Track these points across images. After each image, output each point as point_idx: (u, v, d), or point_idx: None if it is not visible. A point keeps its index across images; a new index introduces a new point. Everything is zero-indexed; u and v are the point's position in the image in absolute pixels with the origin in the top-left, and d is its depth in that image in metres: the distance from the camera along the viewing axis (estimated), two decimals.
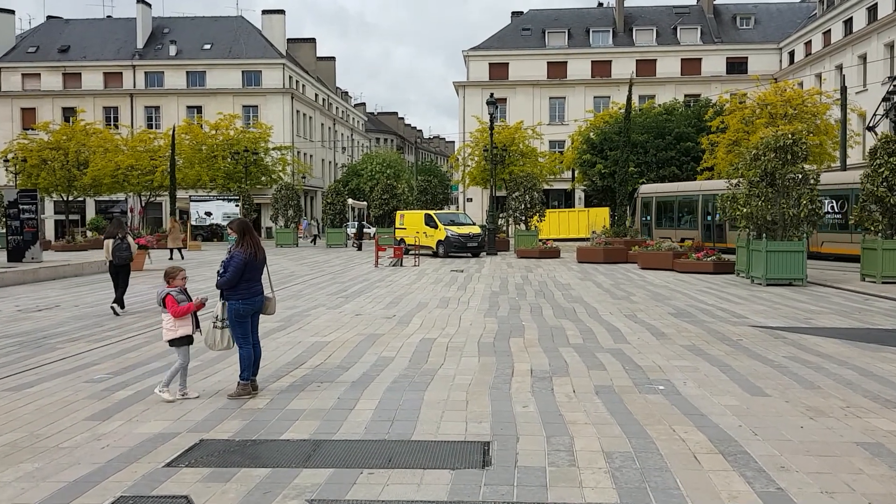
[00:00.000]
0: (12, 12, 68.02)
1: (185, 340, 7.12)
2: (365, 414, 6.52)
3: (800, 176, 19.01)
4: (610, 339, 10.42)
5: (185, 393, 7.12)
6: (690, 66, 60.23)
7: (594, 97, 58.97)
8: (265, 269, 7.33)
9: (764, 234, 19.10)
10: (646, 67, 59.64)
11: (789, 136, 19.16)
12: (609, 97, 57.00)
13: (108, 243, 14.07)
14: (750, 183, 19.50)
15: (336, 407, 6.78)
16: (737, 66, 59.30)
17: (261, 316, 7.51)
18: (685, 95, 56.28)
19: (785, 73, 55.56)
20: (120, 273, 14.06)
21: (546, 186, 40.88)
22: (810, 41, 54.20)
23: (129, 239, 14.42)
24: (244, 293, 7.03)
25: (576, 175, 49.12)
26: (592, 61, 60.78)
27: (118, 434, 6.00)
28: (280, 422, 6.31)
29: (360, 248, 38.22)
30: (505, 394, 7.23)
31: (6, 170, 52.28)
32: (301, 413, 6.57)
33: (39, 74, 64.83)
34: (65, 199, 52.62)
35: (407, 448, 5.60)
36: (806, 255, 18.95)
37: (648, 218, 36.75)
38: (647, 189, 37.55)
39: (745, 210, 19.59)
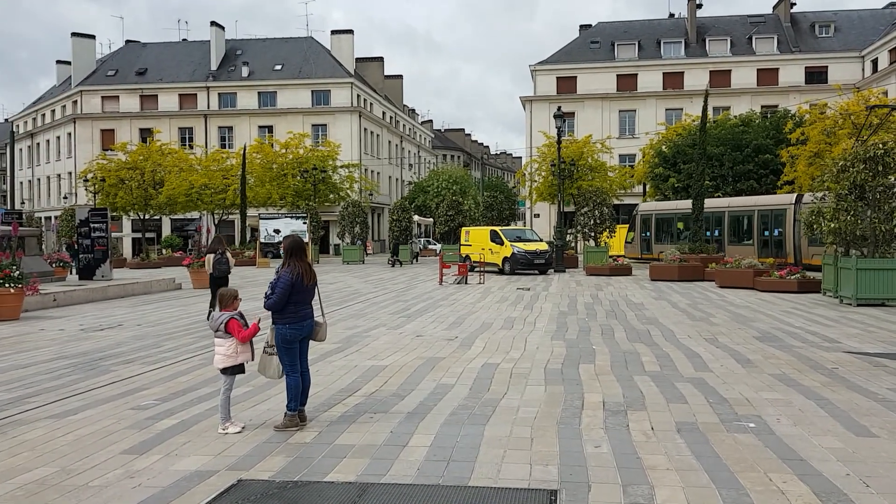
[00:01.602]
0: (93, 37, 70.75)
1: (239, 368, 6.69)
2: (419, 452, 5.92)
3: (893, 188, 17.70)
4: (690, 367, 9.58)
5: (225, 426, 6.65)
6: (767, 77, 58.12)
7: (666, 109, 57.49)
8: (316, 292, 6.85)
9: (854, 251, 17.83)
10: (720, 78, 57.82)
11: (880, 145, 17.88)
12: (682, 109, 55.47)
13: (210, 257, 15.46)
14: (838, 196, 18.26)
15: (388, 443, 6.20)
16: (816, 76, 56.91)
17: (312, 342, 7.04)
18: (762, 106, 54.21)
19: (868, 81, 52.96)
20: (220, 285, 14.92)
21: (616, 201, 39.73)
22: (895, 48, 51.61)
23: (228, 254, 15.81)
24: (291, 317, 6.56)
25: (647, 189, 47.75)
26: (664, 73, 59.27)
27: (153, 471, 5.56)
28: (326, 459, 5.77)
29: (393, 265, 38.48)
30: (574, 430, 6.53)
31: (86, 189, 54.02)
32: (350, 449, 6.02)
33: (118, 97, 67.06)
34: (141, 217, 54.00)
35: (463, 496, 4.97)
36: None
37: (648, 234, 39.36)
38: (645, 207, 40.05)
39: (832, 225, 18.34)
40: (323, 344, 11.39)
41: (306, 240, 42.53)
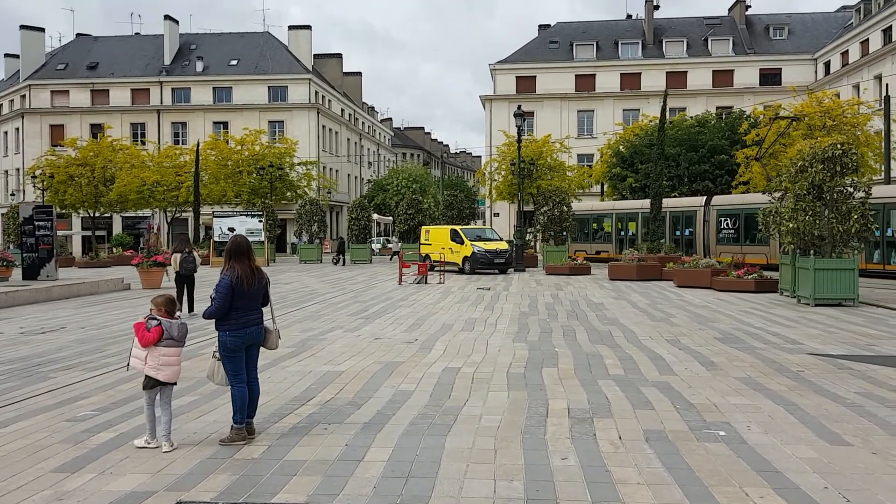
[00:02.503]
0: (42, 30, 68.67)
1: (156, 382, 6.16)
2: (375, 467, 5.55)
3: (850, 189, 17.82)
4: (654, 370, 9.37)
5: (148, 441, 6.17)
6: (722, 78, 58.85)
7: (623, 110, 57.88)
8: (266, 296, 6.43)
9: (811, 251, 17.91)
10: (676, 79, 58.35)
11: (838, 146, 17.98)
12: (639, 110, 55.81)
13: (177, 257, 16.39)
14: (796, 196, 18.32)
15: (343, 457, 5.81)
16: (770, 78, 57.80)
17: (264, 349, 6.63)
18: (717, 107, 54.89)
19: (821, 83, 53.96)
20: (186, 282, 16.45)
21: (575, 201, 39.72)
22: (847, 51, 52.65)
23: (195, 253, 16.78)
24: (233, 323, 6.13)
25: (605, 189, 47.94)
26: (621, 74, 59.63)
27: (84, 492, 5.09)
28: (275, 477, 5.37)
29: (336, 263, 39.03)
30: (540, 441, 6.23)
31: (34, 186, 52.35)
32: (301, 465, 5.62)
33: (68, 91, 65.21)
34: (91, 215, 52.50)
35: None
36: (857, 273, 17.71)
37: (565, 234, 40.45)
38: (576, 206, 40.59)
39: (790, 225, 18.41)
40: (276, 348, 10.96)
41: (262, 238, 41.76)
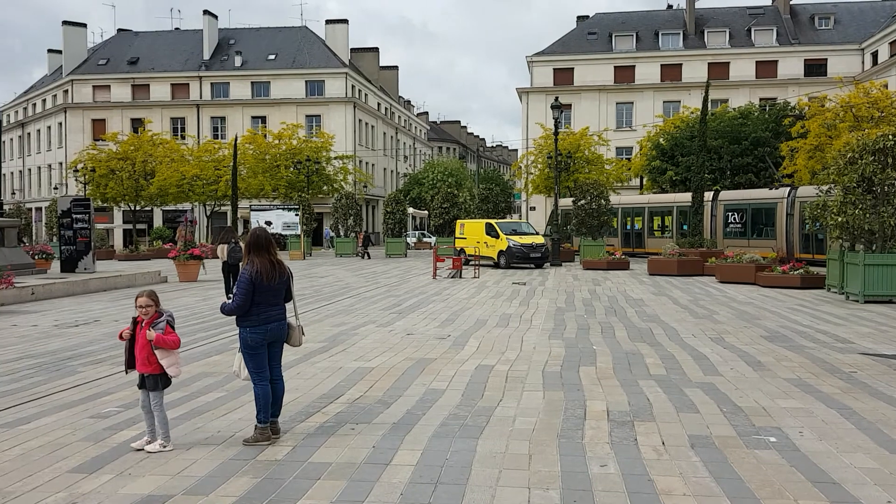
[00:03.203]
0: (84, 26, 69.71)
1: (164, 381, 6.00)
2: (403, 472, 5.27)
3: None
4: (698, 370, 8.94)
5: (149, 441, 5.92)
6: (766, 69, 57.46)
7: (664, 102, 56.86)
8: (289, 291, 6.17)
9: (862, 246, 17.22)
10: (718, 70, 57.07)
11: (890, 137, 17.24)
12: (679, 101, 54.79)
13: (224, 247, 17.35)
14: (845, 189, 17.63)
15: (369, 460, 5.54)
16: (815, 68, 56.27)
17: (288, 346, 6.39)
18: (760, 99, 53.58)
19: (868, 74, 52.32)
20: (232, 271, 17.41)
21: (613, 195, 39.07)
22: (895, 41, 50.99)
23: (241, 243, 17.40)
24: (254, 319, 5.89)
25: (644, 182, 47.12)
26: (662, 65, 58.56)
27: (99, 495, 4.89)
28: (298, 481, 5.11)
29: (361, 257, 38.88)
30: (577, 445, 5.89)
31: (76, 180, 53.16)
32: (325, 469, 5.36)
33: (109, 86, 66.14)
34: (132, 208, 53.16)
35: None
36: None
37: (568, 227, 39.66)
38: (564, 203, 40.55)
39: (839, 219, 17.72)
40: (308, 343, 10.76)
41: (298, 232, 41.81)
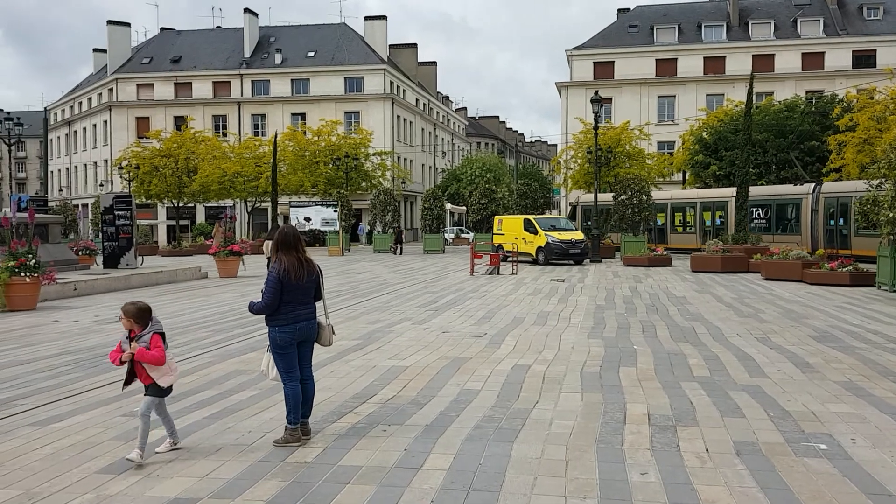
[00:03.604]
0: (128, 25, 70.87)
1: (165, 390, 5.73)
2: (434, 477, 5.10)
3: None
4: (743, 372, 8.62)
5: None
6: (812, 61, 56.00)
7: (706, 95, 55.77)
8: (319, 290, 6.04)
9: None
10: (763, 63, 55.81)
11: None
12: (723, 95, 53.68)
13: (269, 243, 17.17)
14: None
15: (400, 464, 5.39)
16: (864, 60, 54.65)
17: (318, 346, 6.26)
18: (806, 92, 52.14)
19: None
20: None
21: (655, 190, 38.44)
22: None
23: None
24: (283, 318, 5.77)
25: (687, 177, 46.30)
26: (705, 57, 57.47)
27: (126, 497, 4.81)
28: (327, 485, 4.98)
29: (395, 252, 39.26)
30: (616, 451, 5.66)
31: (121, 177, 54.10)
32: (355, 472, 5.22)
33: (153, 84, 67.15)
34: (175, 205, 53.92)
35: None
36: None
37: (588, 223, 39.93)
38: (584, 198, 42.23)
39: (890, 214, 17.13)
40: (342, 340, 10.68)
41: (336, 228, 41.96)
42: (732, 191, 33.94)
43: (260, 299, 5.79)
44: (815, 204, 30.57)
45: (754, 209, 32.96)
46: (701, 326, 12.28)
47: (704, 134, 43.10)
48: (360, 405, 7.12)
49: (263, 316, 5.85)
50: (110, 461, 5.53)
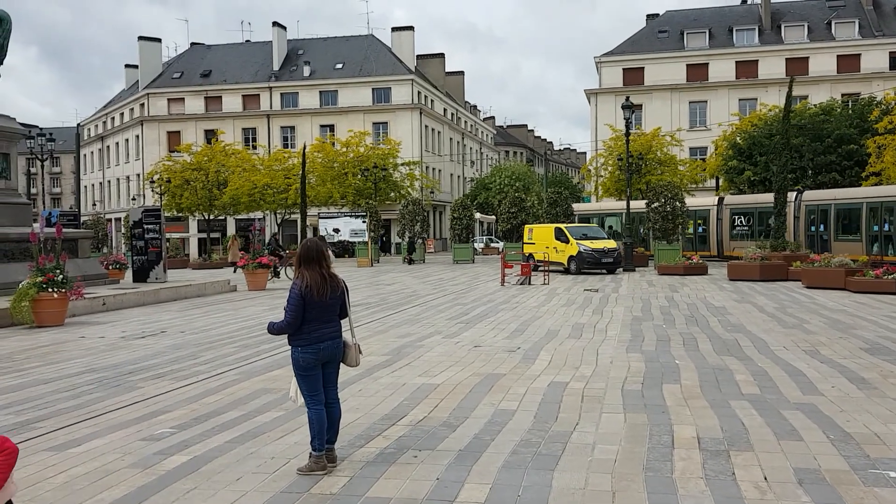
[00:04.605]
0: (159, 41, 71.72)
1: None
2: None
3: None
4: (795, 388, 8.11)
5: None
6: (848, 63, 54.82)
7: (739, 99, 54.88)
8: (344, 307, 5.70)
9: None
10: (797, 66, 54.69)
11: None
12: (756, 99, 52.70)
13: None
14: None
15: (432, 496, 5.00)
16: None
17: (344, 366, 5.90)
18: (842, 94, 51.06)
19: None
20: None
21: (688, 196, 37.73)
22: None
23: (329, 252, 18.23)
24: (305, 338, 5.43)
25: (721, 183, 45.43)
26: (736, 61, 56.59)
27: None
28: None
29: (409, 262, 39.17)
30: (666, 480, 5.22)
31: (152, 190, 54.55)
32: None
33: (183, 99, 67.80)
34: (206, 217, 54.22)
35: None
36: None
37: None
38: (579, 207, 43.55)
39: None
40: (370, 356, 10.35)
41: (365, 239, 41.79)
42: (714, 199, 37.32)
43: (281, 318, 5.47)
44: (797, 211, 32.09)
45: (736, 217, 35.36)
46: (744, 338, 11.75)
47: (738, 139, 42.27)
48: (389, 428, 6.75)
49: (285, 335, 5.52)
50: (125, 492, 5.23)
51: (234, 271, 34.11)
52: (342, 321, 5.70)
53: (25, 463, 5.90)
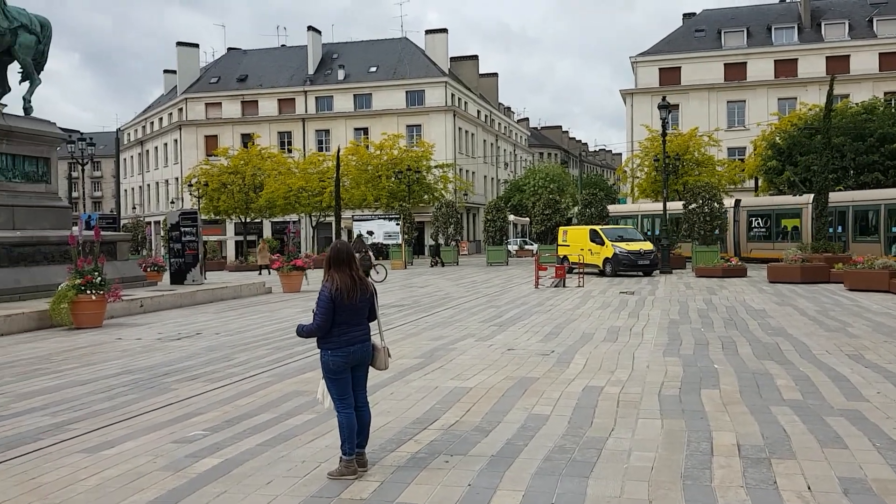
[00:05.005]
0: (196, 46, 72.71)
1: None
2: None
3: None
4: (838, 394, 7.87)
5: None
6: (890, 61, 53.47)
7: (778, 99, 53.88)
8: (373, 310, 5.64)
9: None
10: (837, 64, 53.55)
11: None
12: (796, 98, 51.79)
13: (356, 256, 19.25)
14: None
15: (464, 503, 4.91)
16: None
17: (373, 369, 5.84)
18: (885, 93, 49.86)
19: None
20: None
21: (725, 197, 37.17)
22: None
23: (370, 253, 20.03)
24: (335, 341, 5.37)
25: (760, 184, 44.66)
26: (776, 60, 55.56)
27: None
28: None
29: (437, 264, 37.98)
30: (706, 489, 5.06)
31: (190, 194, 55.32)
32: None
33: (221, 103, 68.62)
34: (243, 220, 54.80)
35: None
36: None
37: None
38: (615, 208, 43.55)
39: None
40: (401, 359, 10.30)
41: (399, 241, 41.84)
42: (730, 202, 36.85)
43: (310, 320, 5.42)
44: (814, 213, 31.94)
45: (754, 219, 35.90)
46: (785, 342, 11.46)
47: (777, 139, 41.50)
48: (421, 432, 6.68)
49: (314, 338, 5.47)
50: (156, 495, 5.22)
51: (259, 273, 34.76)
52: (370, 324, 5.65)
53: (59, 465, 5.95)
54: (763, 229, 35.69)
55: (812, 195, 32.68)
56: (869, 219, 30.67)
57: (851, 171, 37.67)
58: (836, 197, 31.48)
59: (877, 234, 29.53)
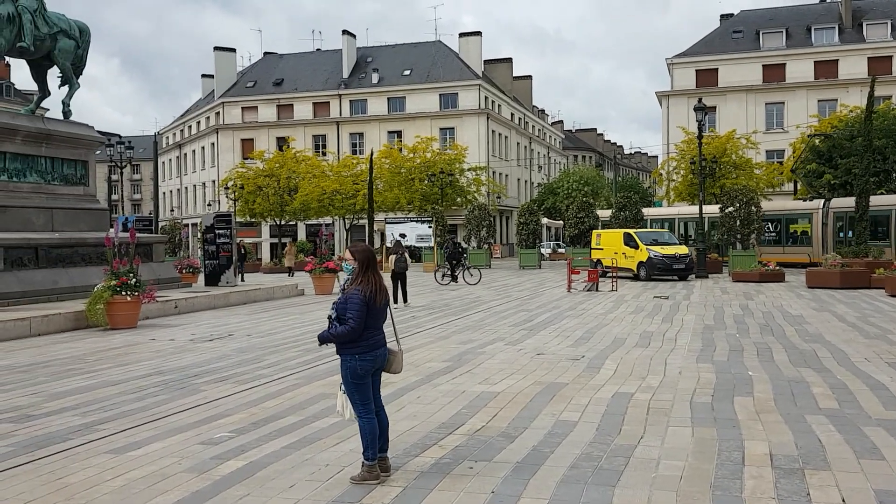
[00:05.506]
0: (233, 51, 73.62)
1: None
2: None
3: None
4: (877, 403, 7.63)
5: None
6: None
7: (818, 101, 52.94)
8: (389, 313, 5.62)
9: None
10: (879, 66, 52.39)
11: None
12: (836, 100, 50.76)
13: (392, 257, 19.81)
14: None
15: None
16: None
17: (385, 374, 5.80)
18: None
19: None
20: (399, 279, 19.55)
21: (764, 200, 36.58)
22: None
23: (406, 255, 20.22)
24: (363, 346, 5.33)
25: (799, 187, 43.88)
26: (815, 62, 54.59)
27: None
28: None
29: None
30: (735, 500, 4.92)
31: (227, 197, 55.98)
32: None
33: (257, 107, 69.39)
34: (278, 223, 55.31)
35: None
36: None
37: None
38: (650, 211, 42.80)
39: None
40: (428, 362, 10.26)
41: (431, 244, 41.85)
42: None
43: (329, 327, 5.40)
44: (824, 218, 33.47)
45: (765, 223, 35.19)
46: (823, 349, 11.18)
47: (817, 141, 40.74)
48: (446, 437, 6.61)
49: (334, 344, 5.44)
50: (179, 497, 5.22)
51: (289, 275, 35.23)
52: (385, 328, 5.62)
53: (86, 465, 6.00)
54: (774, 234, 36.08)
55: (823, 200, 33.73)
56: (879, 224, 30.33)
57: (894, 175, 36.86)
58: (846, 202, 31.80)
59: (887, 240, 29.20)
